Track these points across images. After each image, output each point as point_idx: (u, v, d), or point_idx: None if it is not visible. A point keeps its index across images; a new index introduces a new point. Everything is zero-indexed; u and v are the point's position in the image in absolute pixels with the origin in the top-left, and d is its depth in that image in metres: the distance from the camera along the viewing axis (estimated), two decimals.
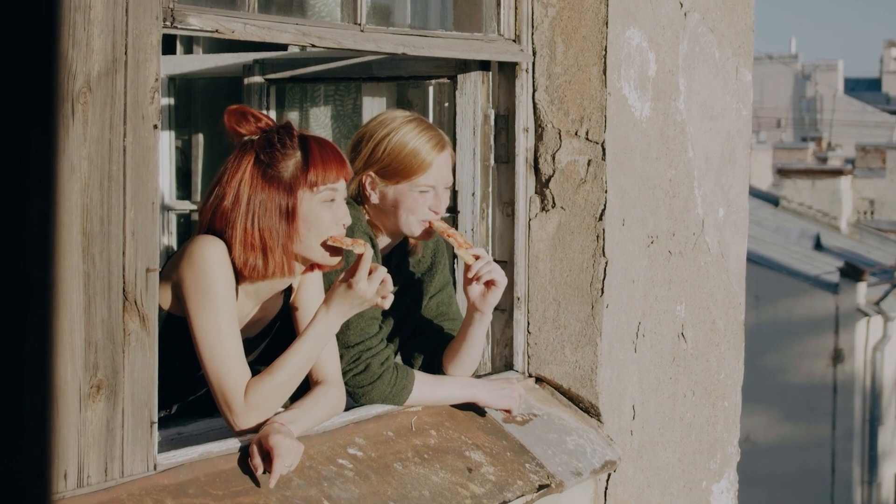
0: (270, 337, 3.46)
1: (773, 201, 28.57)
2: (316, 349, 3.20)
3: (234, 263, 3.16)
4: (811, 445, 20.62)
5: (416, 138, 3.62)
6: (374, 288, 3.16)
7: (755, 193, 28.85)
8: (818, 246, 24.45)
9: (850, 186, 28.72)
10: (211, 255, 3.11)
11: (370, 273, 3.16)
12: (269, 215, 3.16)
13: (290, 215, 3.17)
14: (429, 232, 3.67)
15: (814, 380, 20.54)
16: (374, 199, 3.65)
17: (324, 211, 3.21)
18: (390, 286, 3.19)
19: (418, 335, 3.89)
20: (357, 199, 3.67)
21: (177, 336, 3.17)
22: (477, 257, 3.60)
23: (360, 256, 3.16)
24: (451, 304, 3.94)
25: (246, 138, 3.24)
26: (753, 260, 20.19)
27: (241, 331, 3.31)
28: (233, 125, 3.25)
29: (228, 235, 3.16)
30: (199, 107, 5.25)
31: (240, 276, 3.21)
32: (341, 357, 3.47)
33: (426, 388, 3.63)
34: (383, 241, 3.72)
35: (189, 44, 5.28)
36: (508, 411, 3.80)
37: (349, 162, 3.61)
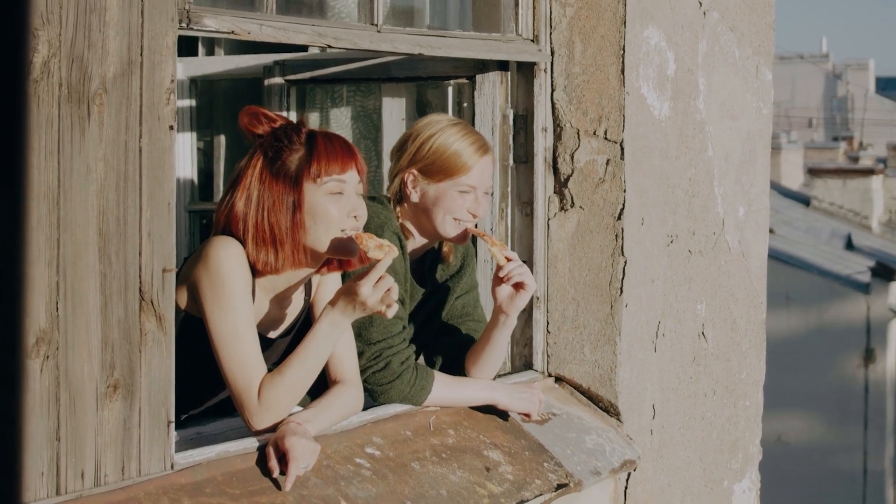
0: (293, 336, 3.47)
1: (804, 201, 28.43)
2: (323, 348, 3.20)
3: (250, 261, 3.19)
4: (843, 446, 20.50)
5: (460, 140, 3.67)
6: (378, 296, 3.13)
7: (786, 193, 28.75)
8: (849, 246, 24.32)
9: (882, 186, 28.57)
10: (226, 254, 3.13)
11: (379, 280, 3.16)
12: (276, 209, 3.19)
13: (295, 208, 3.19)
14: (463, 235, 3.70)
15: (845, 380, 20.42)
16: (415, 197, 3.68)
17: (330, 203, 3.22)
18: (395, 295, 3.17)
19: (442, 335, 3.91)
20: (396, 198, 3.70)
21: (195, 337, 3.19)
22: (509, 259, 3.63)
23: (376, 261, 3.17)
24: (476, 305, 3.96)
25: (255, 138, 3.27)
26: (784, 260, 20.11)
27: (263, 330, 3.33)
28: (247, 126, 3.29)
29: (242, 234, 3.19)
30: (221, 108, 5.27)
31: (256, 273, 3.23)
32: (362, 353, 3.48)
33: (445, 390, 3.64)
34: (413, 243, 3.73)
35: (211, 45, 5.30)
36: (527, 415, 3.80)
37: (394, 161, 3.69)
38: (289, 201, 3.20)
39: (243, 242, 3.19)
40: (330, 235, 3.23)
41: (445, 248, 3.87)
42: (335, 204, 3.22)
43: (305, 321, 3.45)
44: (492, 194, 4.13)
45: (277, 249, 3.20)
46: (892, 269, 20.42)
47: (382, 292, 3.14)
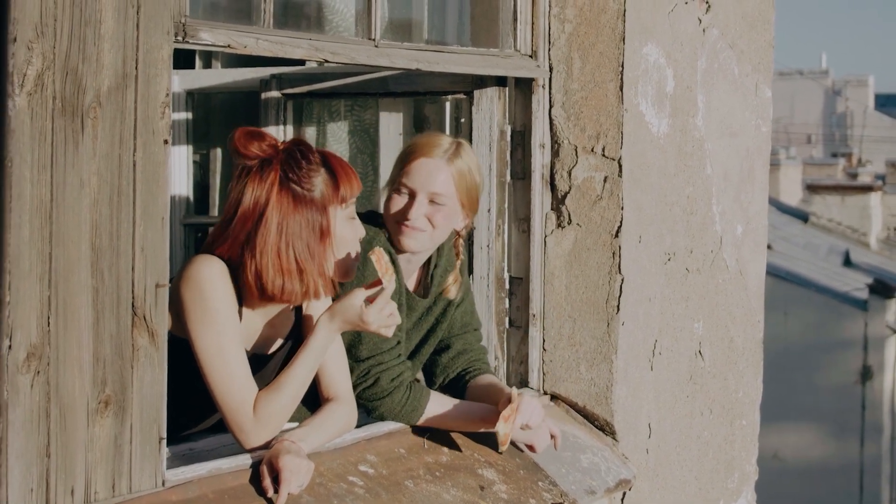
0: (285, 355, 3.43)
1: (803, 217, 28.43)
2: (317, 359, 3.20)
3: (265, 288, 3.13)
4: (840, 463, 20.47)
5: (410, 144, 3.68)
6: (383, 320, 3.18)
7: (784, 209, 28.75)
8: (847, 262, 24.31)
9: (880, 202, 28.60)
10: (209, 274, 3.09)
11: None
12: (303, 236, 3.13)
13: (323, 234, 3.16)
14: (404, 231, 3.61)
15: (842, 397, 20.39)
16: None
17: (347, 227, 3.23)
18: (397, 319, 3.21)
19: (445, 349, 3.87)
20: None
21: (180, 358, 3.14)
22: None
23: (382, 289, 3.20)
24: (473, 312, 3.93)
25: (254, 160, 3.15)
26: (782, 276, 20.10)
27: (253, 349, 3.30)
28: (245, 147, 3.15)
29: (255, 260, 3.11)
30: (218, 121, 5.25)
31: (248, 296, 3.19)
32: (352, 371, 3.45)
33: (442, 411, 3.59)
34: (410, 255, 3.68)
35: (208, 58, 5.28)
36: (531, 448, 3.73)
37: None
38: (316, 227, 3.15)
39: (243, 268, 3.13)
40: (340, 258, 3.24)
41: (443, 260, 3.83)
42: (351, 227, 3.23)
43: (298, 337, 3.40)
44: (489, 206, 4.11)
45: (304, 279, 3.15)
46: (890, 286, 20.41)
47: (386, 316, 3.19)
